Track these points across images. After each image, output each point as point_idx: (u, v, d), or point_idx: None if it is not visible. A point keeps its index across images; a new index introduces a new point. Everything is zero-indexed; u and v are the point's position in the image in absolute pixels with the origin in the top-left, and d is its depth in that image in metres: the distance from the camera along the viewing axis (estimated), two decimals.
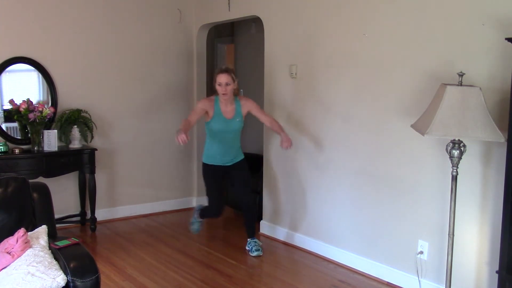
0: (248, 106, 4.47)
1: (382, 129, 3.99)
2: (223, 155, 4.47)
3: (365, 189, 4.14)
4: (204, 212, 4.74)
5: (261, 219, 5.25)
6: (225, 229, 5.54)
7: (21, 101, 4.73)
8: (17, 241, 2.63)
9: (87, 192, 5.20)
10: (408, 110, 3.74)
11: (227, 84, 4.29)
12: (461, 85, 3.01)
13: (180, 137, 3.90)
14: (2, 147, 4.69)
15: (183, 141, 3.90)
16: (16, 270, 2.50)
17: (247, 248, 4.68)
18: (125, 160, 5.65)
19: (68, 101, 5.19)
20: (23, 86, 5.11)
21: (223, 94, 4.31)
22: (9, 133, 4.96)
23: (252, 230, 4.71)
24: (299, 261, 4.50)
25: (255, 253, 4.56)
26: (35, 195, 2.99)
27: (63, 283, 2.48)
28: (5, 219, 2.81)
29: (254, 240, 4.66)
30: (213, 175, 4.51)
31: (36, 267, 2.50)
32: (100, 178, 5.35)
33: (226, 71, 4.33)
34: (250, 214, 4.69)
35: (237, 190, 4.68)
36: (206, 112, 4.38)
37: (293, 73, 4.74)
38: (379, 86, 3.99)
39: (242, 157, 4.61)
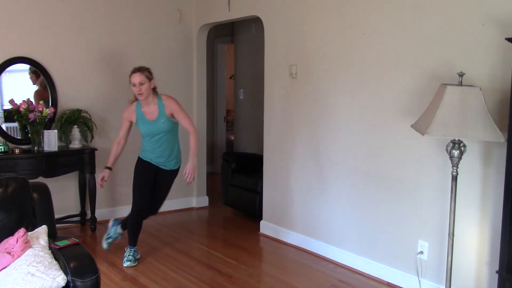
0: (170, 107, 4.18)
1: (382, 129, 3.99)
2: (156, 155, 4.26)
3: (365, 189, 4.14)
4: (126, 219, 4.43)
5: (261, 219, 5.25)
6: (225, 229, 5.55)
7: (21, 101, 4.73)
8: (17, 241, 2.63)
9: (87, 192, 5.20)
10: (408, 110, 3.74)
11: (141, 84, 4.08)
12: (461, 85, 3.01)
13: (100, 178, 4.26)
14: (2, 147, 4.69)
15: (101, 183, 4.26)
16: (16, 270, 2.50)
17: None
18: (125, 160, 5.64)
19: (68, 101, 5.19)
20: (23, 86, 5.12)
21: (139, 94, 4.11)
22: (9, 133, 4.96)
23: (135, 238, 4.40)
24: (299, 261, 4.49)
25: (126, 264, 4.27)
26: (35, 195, 2.99)
27: (63, 283, 2.48)
28: (5, 219, 2.81)
29: (134, 249, 4.38)
30: (143, 170, 4.30)
31: (36, 267, 2.50)
32: None
33: (139, 70, 4.14)
34: (134, 221, 4.36)
35: (154, 196, 4.40)
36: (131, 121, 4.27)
37: (293, 73, 4.74)
38: (379, 86, 3.99)
39: (176, 166, 4.35)
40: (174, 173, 4.40)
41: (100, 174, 4.33)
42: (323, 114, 4.47)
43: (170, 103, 4.21)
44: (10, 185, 2.90)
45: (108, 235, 4.54)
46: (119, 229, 4.52)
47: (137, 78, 4.11)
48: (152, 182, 4.32)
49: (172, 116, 4.21)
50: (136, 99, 4.25)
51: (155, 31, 5.75)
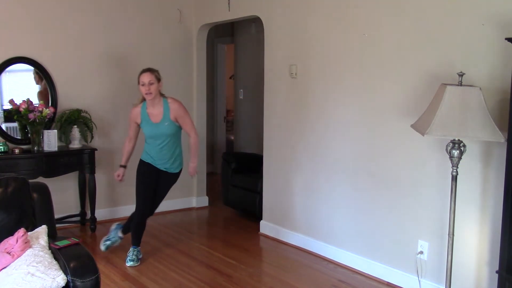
0: (175, 112, 4.25)
1: (382, 129, 3.99)
2: (158, 158, 4.30)
3: (365, 189, 4.14)
4: (128, 222, 4.48)
5: (261, 219, 5.25)
6: (225, 229, 5.55)
7: (21, 101, 4.73)
8: (17, 241, 2.63)
9: (87, 192, 5.19)
10: (408, 110, 3.74)
11: (150, 83, 4.17)
12: (461, 85, 3.01)
13: (116, 175, 4.39)
14: (2, 147, 4.69)
15: (118, 180, 4.40)
16: (16, 270, 2.50)
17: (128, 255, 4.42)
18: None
19: (68, 101, 5.19)
20: (23, 86, 5.11)
21: (147, 93, 4.17)
22: (9, 133, 4.96)
23: (139, 239, 4.44)
24: (299, 261, 4.50)
25: (129, 263, 4.30)
26: (35, 195, 2.98)
27: (63, 283, 2.48)
28: (5, 219, 2.81)
29: (138, 249, 4.41)
30: (146, 174, 4.33)
31: (36, 267, 2.50)
32: (100, 178, 5.35)
33: (149, 70, 4.24)
34: (139, 223, 4.40)
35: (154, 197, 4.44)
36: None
37: (293, 73, 4.74)
38: (379, 86, 3.99)
39: (178, 169, 4.41)
40: (175, 176, 4.45)
41: (116, 172, 4.47)
42: (323, 114, 4.47)
43: (175, 108, 4.28)
44: (10, 185, 2.90)
45: (107, 237, 4.57)
46: (119, 233, 4.57)
47: (147, 77, 4.20)
48: (154, 185, 4.37)
49: (176, 120, 4.27)
50: (142, 101, 4.32)
51: (155, 31, 5.75)
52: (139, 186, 4.36)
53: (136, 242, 4.41)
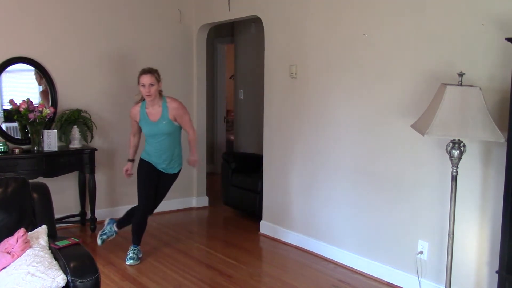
0: (174, 112, 4.25)
1: (382, 129, 3.99)
2: (157, 157, 4.31)
3: (365, 189, 4.14)
4: (123, 218, 4.51)
5: (261, 219, 5.25)
6: (225, 229, 5.55)
7: (21, 101, 4.73)
8: (17, 241, 2.63)
9: (87, 192, 5.19)
10: (408, 110, 3.74)
11: (151, 85, 4.17)
12: (461, 85, 3.01)
13: (124, 169, 4.46)
14: (2, 147, 4.69)
15: (127, 174, 4.46)
16: (16, 270, 2.50)
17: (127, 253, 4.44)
18: (125, 160, 5.60)
19: (68, 101, 5.19)
20: (23, 86, 5.12)
21: (147, 95, 4.18)
22: (9, 133, 4.96)
23: (140, 238, 4.46)
24: (299, 261, 4.49)
25: (129, 262, 4.32)
26: (35, 195, 2.99)
27: (63, 283, 2.48)
28: (5, 219, 2.81)
29: (138, 248, 4.43)
30: (147, 172, 4.34)
31: (36, 267, 2.50)
32: (100, 178, 5.35)
33: (150, 71, 4.21)
34: (140, 221, 4.41)
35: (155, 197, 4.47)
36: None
37: (293, 73, 4.74)
38: (379, 86, 3.99)
39: (177, 170, 4.43)
40: (174, 176, 4.48)
41: (124, 167, 4.50)
42: (323, 114, 4.47)
43: (174, 107, 4.28)
44: (10, 185, 2.90)
45: (103, 231, 4.57)
46: (114, 228, 4.55)
47: (147, 79, 4.18)
48: (156, 183, 4.39)
49: (175, 119, 4.28)
50: (142, 100, 4.33)
51: (155, 31, 5.75)
52: (141, 184, 4.36)
53: (137, 241, 4.42)
